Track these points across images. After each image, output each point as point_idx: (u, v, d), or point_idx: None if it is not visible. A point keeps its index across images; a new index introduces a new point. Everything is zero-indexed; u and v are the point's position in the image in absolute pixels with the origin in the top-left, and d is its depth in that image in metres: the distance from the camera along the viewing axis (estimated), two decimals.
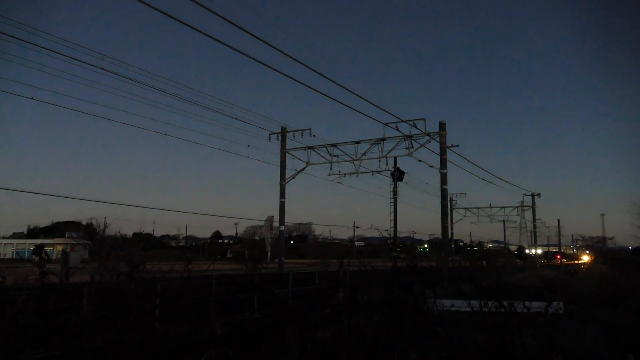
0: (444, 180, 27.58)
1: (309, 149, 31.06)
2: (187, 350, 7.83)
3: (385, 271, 10.98)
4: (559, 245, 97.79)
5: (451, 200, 59.04)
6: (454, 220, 61.56)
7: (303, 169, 31.56)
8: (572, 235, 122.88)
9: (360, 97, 21.18)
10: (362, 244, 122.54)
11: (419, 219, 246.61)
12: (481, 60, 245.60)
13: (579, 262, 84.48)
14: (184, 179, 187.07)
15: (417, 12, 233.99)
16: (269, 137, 31.41)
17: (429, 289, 7.92)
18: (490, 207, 64.72)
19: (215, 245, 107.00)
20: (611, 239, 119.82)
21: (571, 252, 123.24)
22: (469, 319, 7.99)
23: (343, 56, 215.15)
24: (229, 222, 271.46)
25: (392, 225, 35.50)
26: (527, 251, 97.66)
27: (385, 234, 35.15)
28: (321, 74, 17.89)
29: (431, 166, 29.74)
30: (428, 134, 27.70)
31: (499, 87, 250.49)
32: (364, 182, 68.86)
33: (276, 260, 34.02)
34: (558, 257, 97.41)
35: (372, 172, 31.38)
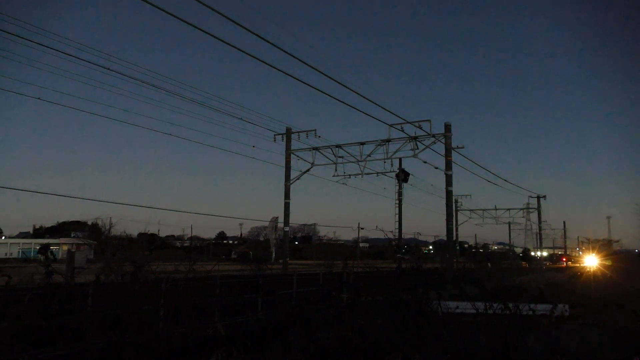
0: (449, 181, 27.48)
1: (313, 149, 31.04)
2: (190, 351, 7.84)
3: (389, 273, 10.94)
4: (565, 248, 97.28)
5: (456, 201, 58.91)
6: (459, 222, 61.46)
7: (308, 170, 31.55)
8: (578, 237, 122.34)
9: (365, 98, 21.14)
10: (367, 245, 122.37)
11: (424, 221, 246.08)
12: (487, 62, 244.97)
13: (583, 264, 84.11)
14: (189, 179, 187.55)
15: (423, 12, 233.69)
16: (274, 138, 31.41)
17: (433, 291, 7.90)
18: (496, 209, 64.56)
19: (219, 245, 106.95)
20: (617, 241, 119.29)
21: (577, 254, 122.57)
22: (473, 321, 7.96)
23: (348, 57, 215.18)
24: (233, 223, 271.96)
25: (397, 226, 35.43)
26: (532, 253, 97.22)
27: (390, 236, 34.97)
28: (326, 75, 17.88)
29: (436, 168, 29.69)
30: (433, 136, 27.61)
31: (504, 89, 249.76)
32: (368, 183, 68.73)
33: (280, 261, 34.00)
34: (564, 259, 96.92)
35: (377, 173, 31.30)
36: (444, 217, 28.00)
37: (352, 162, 30.48)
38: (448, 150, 27.56)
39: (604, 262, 60.21)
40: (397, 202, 35.32)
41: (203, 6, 12.83)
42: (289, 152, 31.34)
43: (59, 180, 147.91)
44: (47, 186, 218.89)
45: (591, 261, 64.28)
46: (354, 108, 22.75)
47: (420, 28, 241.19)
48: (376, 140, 29.35)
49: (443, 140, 27.64)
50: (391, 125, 27.71)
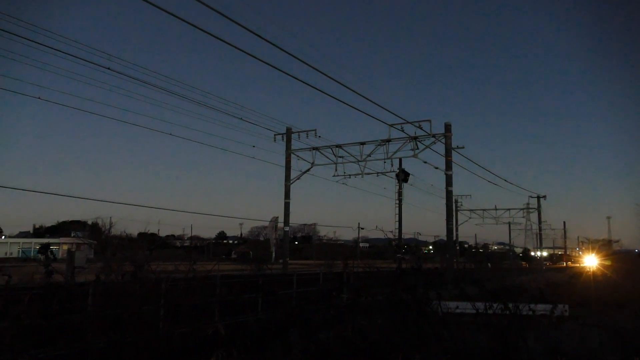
0: (449, 181, 27.46)
1: (314, 149, 31.03)
2: (190, 351, 7.84)
3: (389, 273, 10.95)
4: (565, 248, 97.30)
5: (456, 201, 58.90)
6: (459, 222, 61.48)
7: (308, 170, 31.54)
8: (578, 237, 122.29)
9: (365, 98, 21.13)
10: (367, 245, 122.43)
11: (424, 221, 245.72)
12: (487, 62, 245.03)
13: (583, 264, 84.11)
14: (189, 179, 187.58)
15: (423, 12, 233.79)
16: (274, 137, 31.41)
17: (433, 291, 7.90)
18: (496, 209, 64.58)
19: (220, 245, 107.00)
20: (617, 241, 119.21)
21: (577, 254, 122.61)
22: (473, 321, 7.96)
23: (348, 57, 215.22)
24: (233, 223, 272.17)
25: (397, 226, 35.42)
26: (532, 253, 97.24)
27: (390, 236, 35.04)
28: (326, 75, 17.86)
29: (436, 167, 29.68)
30: (433, 136, 27.60)
31: (504, 89, 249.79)
32: (368, 183, 68.86)
33: (280, 261, 33.99)
34: (564, 259, 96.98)
35: (377, 173, 31.28)
36: (444, 217, 27.99)
37: (352, 162, 30.49)
38: (448, 150, 27.54)
39: (604, 262, 60.17)
40: (397, 202, 35.32)
41: (203, 6, 12.84)
42: (289, 152, 31.33)
43: (59, 180, 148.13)
44: (47, 186, 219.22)
45: (591, 261, 64.22)
46: (354, 108, 22.75)
47: (421, 28, 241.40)
48: (376, 140, 29.36)
49: (443, 140, 27.62)
50: (391, 125, 27.71)
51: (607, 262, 59.17)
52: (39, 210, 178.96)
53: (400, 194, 35.24)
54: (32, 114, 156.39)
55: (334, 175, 31.25)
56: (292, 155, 31.39)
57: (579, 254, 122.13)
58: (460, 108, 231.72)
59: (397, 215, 35.35)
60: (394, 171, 32.68)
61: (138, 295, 7.85)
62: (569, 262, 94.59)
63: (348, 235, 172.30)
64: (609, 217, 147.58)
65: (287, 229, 31.99)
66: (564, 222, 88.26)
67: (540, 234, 67.21)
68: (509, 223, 71.46)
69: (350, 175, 31.42)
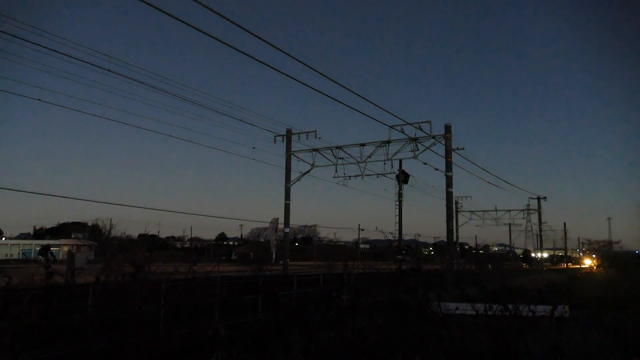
0: (449, 183, 27.48)
1: (314, 151, 31.04)
2: (190, 351, 7.85)
3: (389, 274, 10.95)
4: (565, 249, 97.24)
5: (456, 203, 58.87)
6: (459, 223, 61.34)
7: (308, 171, 31.55)
8: (579, 238, 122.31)
9: (365, 99, 21.17)
10: (367, 246, 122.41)
11: (424, 222, 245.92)
12: (487, 63, 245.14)
13: (583, 265, 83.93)
14: (189, 180, 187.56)
15: (423, 13, 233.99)
16: (275, 139, 31.41)
17: (433, 292, 7.90)
18: (496, 210, 64.53)
19: (220, 246, 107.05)
20: (618, 242, 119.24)
21: (577, 255, 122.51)
22: (473, 322, 7.96)
23: (348, 58, 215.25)
24: (234, 224, 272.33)
25: (397, 227, 35.44)
26: (532, 255, 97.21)
27: (390, 237, 34.99)
28: (326, 76, 17.91)
29: (436, 169, 29.71)
30: (433, 137, 27.61)
31: (504, 90, 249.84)
32: (369, 184, 68.94)
33: (281, 262, 33.99)
34: (564, 260, 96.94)
35: (377, 174, 31.31)
36: (444, 218, 28.00)
37: (353, 163, 30.49)
38: (448, 152, 27.55)
39: (604, 263, 60.16)
40: (397, 203, 35.34)
41: (203, 7, 12.86)
42: (289, 154, 31.33)
43: (59, 182, 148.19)
44: (47, 187, 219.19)
45: (591, 262, 64.21)
46: (354, 109, 22.79)
47: (421, 29, 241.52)
48: (376, 142, 29.37)
49: (443, 142, 27.64)
50: (391, 127, 27.73)
51: (608, 263, 59.17)
52: (39, 212, 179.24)
53: (400, 195, 35.26)
54: (33, 115, 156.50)
55: (334, 177, 31.31)
56: (292, 157, 31.40)
57: (579, 255, 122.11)
58: (461, 109, 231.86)
59: (397, 217, 35.40)
60: (394, 172, 32.69)
61: (138, 295, 7.86)
62: (570, 263, 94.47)
63: (348, 236, 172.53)
64: (609, 218, 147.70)
65: (287, 230, 31.98)
66: (565, 223, 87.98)
67: (541, 235, 67.18)
68: (510, 224, 71.56)
69: (350, 176, 31.46)
